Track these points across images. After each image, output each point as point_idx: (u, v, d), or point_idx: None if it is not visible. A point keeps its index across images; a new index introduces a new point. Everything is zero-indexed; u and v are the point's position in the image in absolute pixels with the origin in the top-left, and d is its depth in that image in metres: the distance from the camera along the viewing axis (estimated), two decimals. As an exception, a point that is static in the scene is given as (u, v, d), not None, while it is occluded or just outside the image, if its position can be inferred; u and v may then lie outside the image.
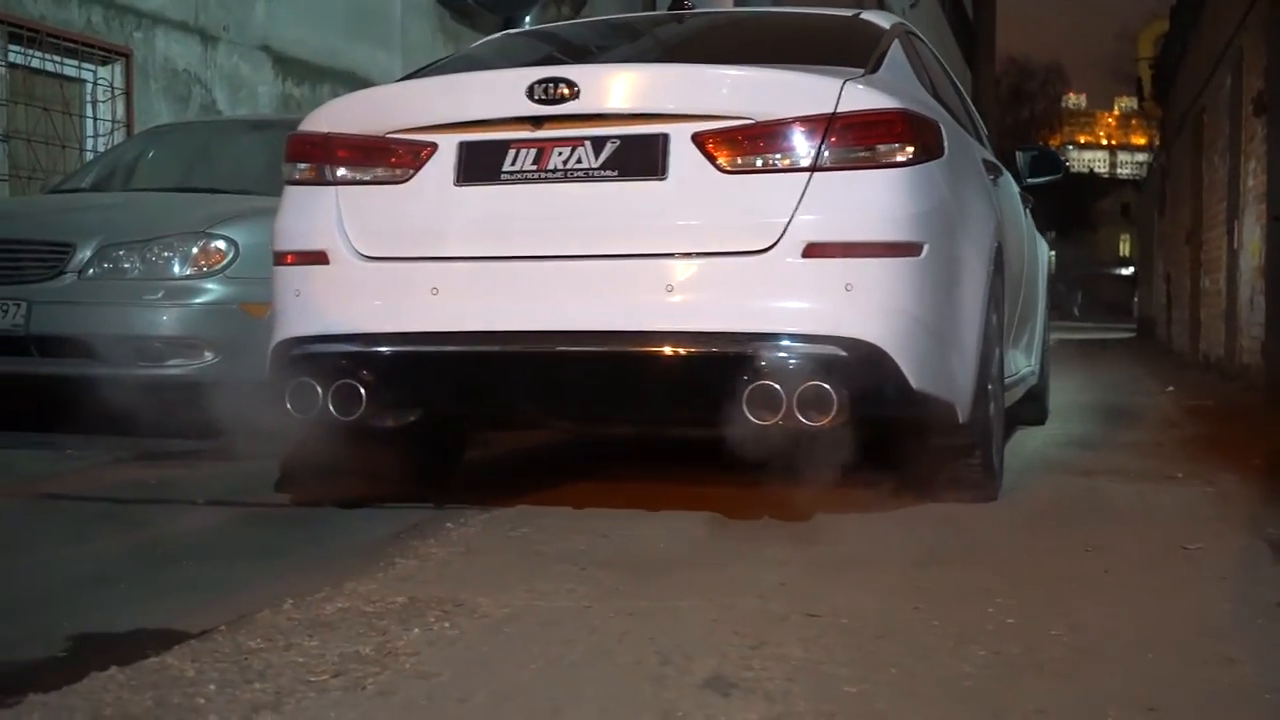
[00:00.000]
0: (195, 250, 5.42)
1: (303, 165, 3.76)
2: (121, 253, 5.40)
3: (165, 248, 5.41)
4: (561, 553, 3.22)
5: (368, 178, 3.66)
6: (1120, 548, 3.37)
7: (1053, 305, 6.81)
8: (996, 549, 3.33)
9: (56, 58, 8.13)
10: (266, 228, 3.98)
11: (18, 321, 5.34)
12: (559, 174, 3.48)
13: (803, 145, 3.40)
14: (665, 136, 3.44)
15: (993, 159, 4.83)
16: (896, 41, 4.17)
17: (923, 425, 3.67)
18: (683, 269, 3.39)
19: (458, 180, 3.56)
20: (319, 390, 3.54)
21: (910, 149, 3.44)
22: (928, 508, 3.81)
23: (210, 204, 5.81)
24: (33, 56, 7.94)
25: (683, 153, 3.42)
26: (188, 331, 5.36)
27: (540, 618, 2.58)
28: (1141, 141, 78.99)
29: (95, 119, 8.56)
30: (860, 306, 3.35)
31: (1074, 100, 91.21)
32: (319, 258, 3.66)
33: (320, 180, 3.71)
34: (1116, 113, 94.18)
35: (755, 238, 3.37)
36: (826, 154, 3.39)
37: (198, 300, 5.39)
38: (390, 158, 3.63)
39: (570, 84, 3.46)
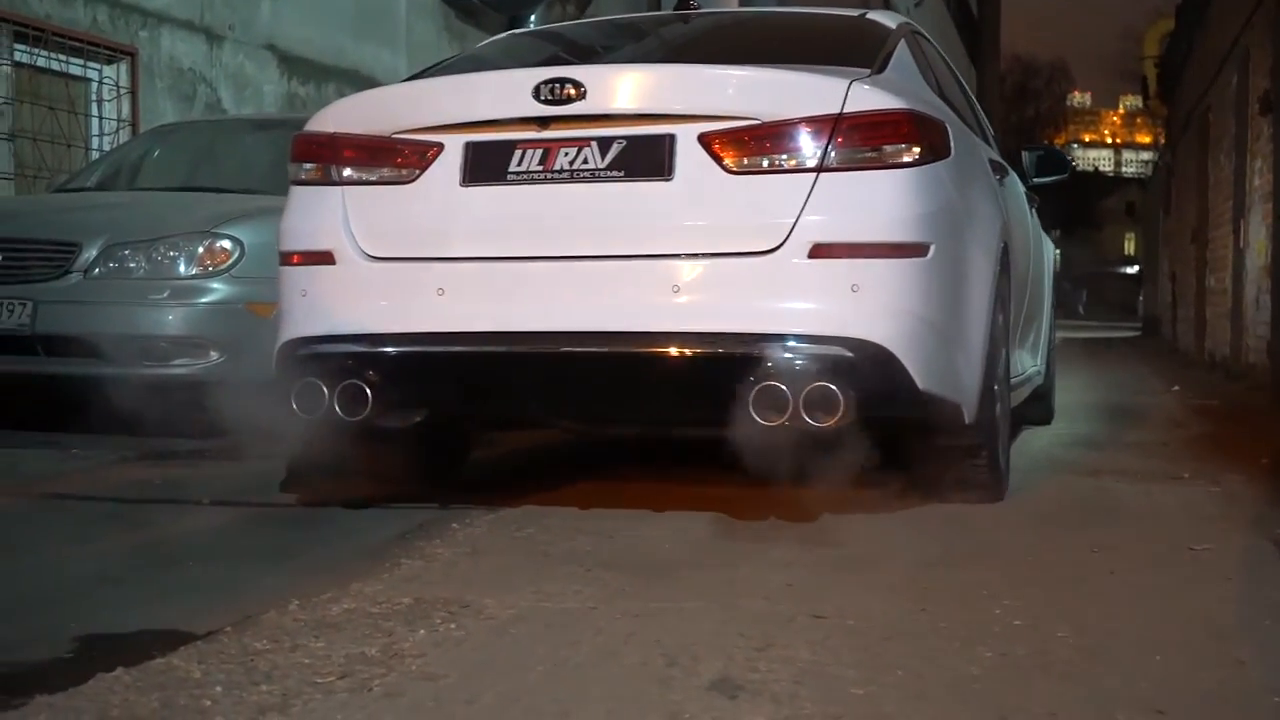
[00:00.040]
0: (201, 250, 5.42)
1: (309, 165, 3.76)
2: (127, 252, 5.41)
3: (171, 247, 5.42)
4: (567, 553, 3.22)
5: (374, 178, 3.66)
6: (1127, 548, 3.37)
7: (1057, 304, 6.79)
8: (1003, 550, 3.32)
9: (62, 56, 8.14)
10: (272, 227, 3.98)
11: (23, 321, 5.34)
12: (565, 174, 3.48)
13: (809, 146, 3.39)
14: (671, 137, 3.44)
15: (999, 159, 4.82)
16: (903, 41, 4.16)
17: (929, 426, 3.67)
18: (689, 269, 3.39)
19: (464, 181, 3.56)
20: (325, 390, 3.54)
21: (917, 149, 3.44)
22: (934, 508, 3.81)
23: (215, 203, 5.82)
24: (38, 55, 7.95)
25: (689, 153, 3.42)
26: (193, 331, 5.37)
27: (546, 619, 2.58)
28: (1146, 140, 78.86)
29: (100, 118, 8.57)
30: (867, 307, 3.34)
31: (1079, 98, 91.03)
32: (325, 258, 3.65)
33: (326, 180, 3.71)
34: (1121, 111, 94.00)
35: (761, 238, 3.37)
36: (833, 154, 3.38)
37: (203, 300, 5.40)
38: (396, 158, 3.63)
39: (577, 84, 3.46)
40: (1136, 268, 49.67)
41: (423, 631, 2.47)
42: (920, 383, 3.40)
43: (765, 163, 3.41)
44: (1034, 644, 2.42)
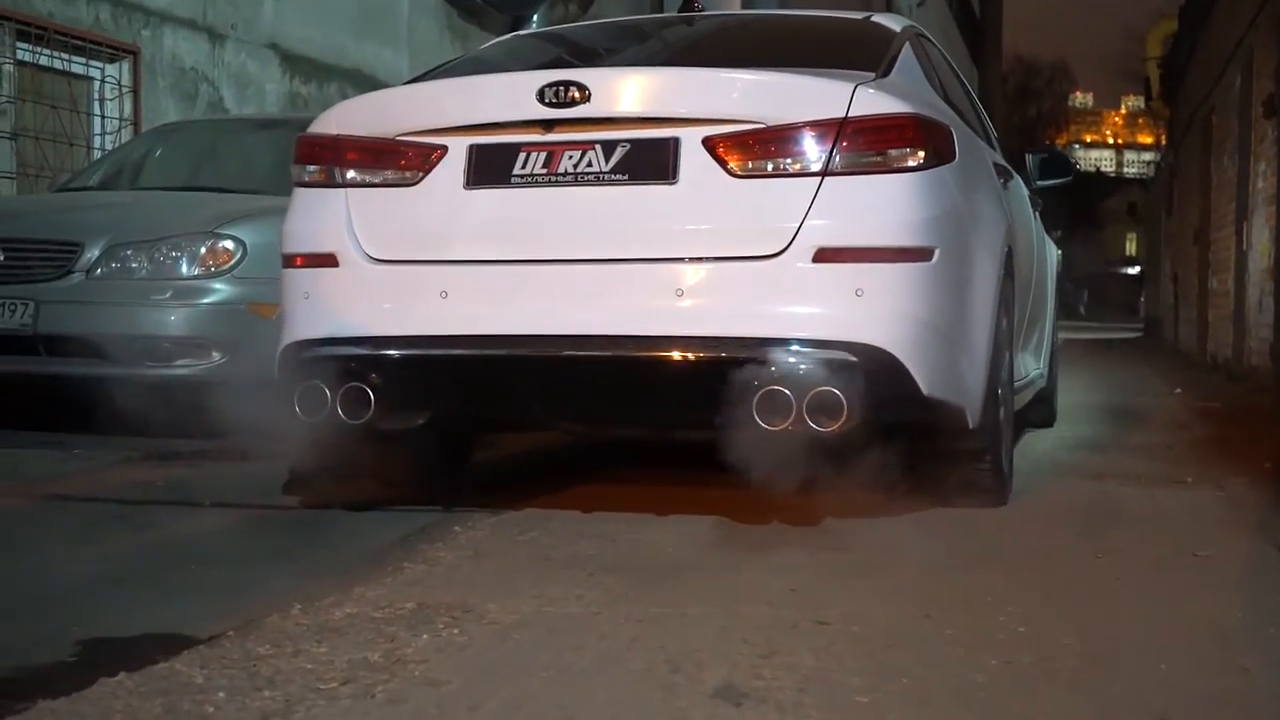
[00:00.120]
0: (203, 250, 5.42)
1: (312, 167, 3.75)
2: (129, 252, 5.40)
3: (173, 247, 5.41)
4: (570, 557, 3.21)
5: (377, 180, 3.66)
6: (1130, 553, 3.36)
7: (1058, 304, 6.78)
8: (1007, 554, 3.32)
9: (64, 55, 8.14)
10: (274, 227, 3.97)
11: (25, 321, 5.34)
12: (569, 177, 3.47)
13: (814, 149, 3.39)
14: (676, 140, 3.43)
15: (1003, 162, 4.81)
16: (907, 45, 4.15)
17: (933, 430, 3.66)
18: (693, 273, 3.38)
19: (468, 183, 3.55)
20: (328, 393, 3.54)
21: (922, 153, 3.43)
22: (938, 512, 3.80)
23: (218, 203, 5.81)
24: (41, 54, 7.95)
25: (693, 157, 3.42)
26: (195, 332, 5.37)
27: (549, 624, 2.58)
28: (1148, 141, 78.79)
29: (103, 117, 8.57)
30: (871, 312, 3.34)
31: (1080, 99, 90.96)
32: (328, 260, 3.65)
33: (329, 182, 3.71)
34: (1123, 112, 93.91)
35: (766, 242, 3.36)
36: (838, 158, 3.38)
37: (205, 300, 5.39)
38: (400, 160, 3.62)
39: (581, 87, 3.45)
40: (1138, 268, 49.67)
41: (425, 636, 2.47)
42: (924, 387, 3.39)
43: (770, 166, 3.40)
44: (1038, 650, 2.41)
